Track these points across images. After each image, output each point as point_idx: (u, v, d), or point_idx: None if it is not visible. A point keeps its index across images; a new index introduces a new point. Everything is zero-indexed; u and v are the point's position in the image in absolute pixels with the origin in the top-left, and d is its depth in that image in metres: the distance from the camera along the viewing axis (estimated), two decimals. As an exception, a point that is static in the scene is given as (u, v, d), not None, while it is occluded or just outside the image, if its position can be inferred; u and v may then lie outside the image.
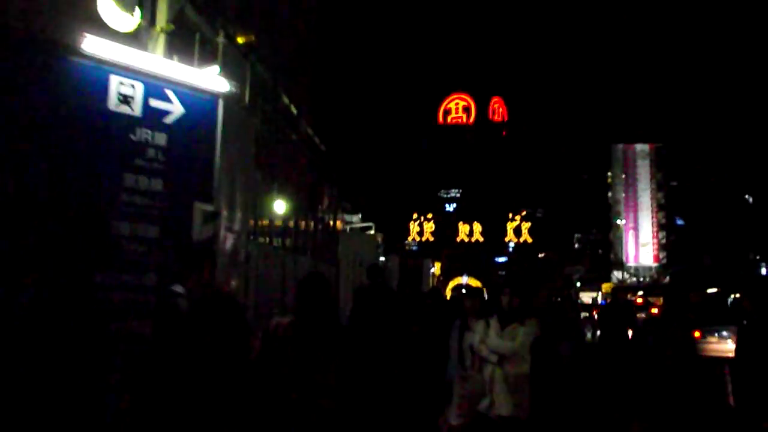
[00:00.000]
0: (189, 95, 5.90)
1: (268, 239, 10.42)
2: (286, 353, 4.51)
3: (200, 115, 6.01)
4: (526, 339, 6.38)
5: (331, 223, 13.47)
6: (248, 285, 7.10)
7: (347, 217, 19.15)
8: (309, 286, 4.80)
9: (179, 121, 5.84)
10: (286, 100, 11.50)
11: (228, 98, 6.26)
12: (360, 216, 19.88)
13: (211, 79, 6.15)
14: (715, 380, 8.94)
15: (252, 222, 9.11)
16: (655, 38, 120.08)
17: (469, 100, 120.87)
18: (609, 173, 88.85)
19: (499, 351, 6.40)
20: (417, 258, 22.37)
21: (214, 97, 6.14)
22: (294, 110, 12.07)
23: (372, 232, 15.08)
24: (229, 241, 6.43)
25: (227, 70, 7.27)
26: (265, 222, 10.64)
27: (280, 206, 11.55)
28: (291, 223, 11.51)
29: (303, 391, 4.38)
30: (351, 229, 14.25)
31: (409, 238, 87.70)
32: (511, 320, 6.70)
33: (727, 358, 11.33)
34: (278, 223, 11.09)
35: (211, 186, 6.08)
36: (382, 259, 19.40)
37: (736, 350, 9.92)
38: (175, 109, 5.75)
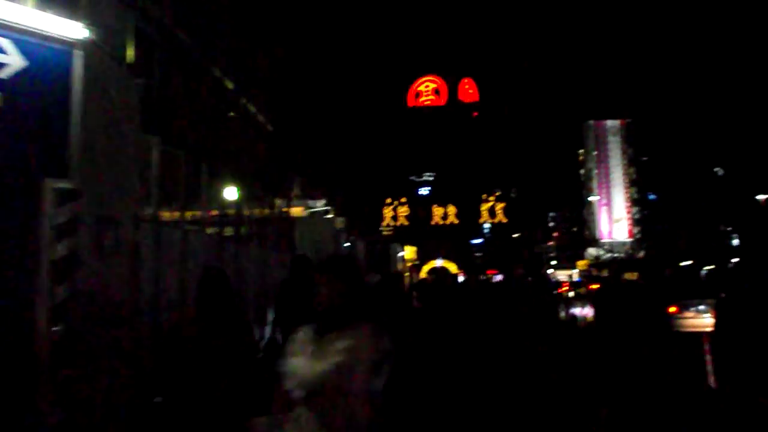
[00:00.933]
0: (33, 44, 4.74)
1: (203, 227, 9.46)
2: (189, 353, 4.24)
3: (50, 69, 4.92)
4: (344, 360, 3.02)
5: (286, 209, 12.66)
6: (139, 279, 6.01)
7: (311, 203, 18.38)
8: (207, 284, 4.47)
9: (20, 77, 4.67)
10: (217, 72, 10.55)
11: (94, 51, 5.09)
12: (324, 201, 19.10)
13: (62, 24, 4.90)
14: (692, 359, 8.42)
15: (177, 209, 8.22)
16: (623, 15, 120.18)
17: (439, 81, 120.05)
18: (580, 150, 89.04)
19: (304, 380, 3.13)
20: (387, 243, 21.66)
21: (69, 47, 4.95)
22: (229, 85, 11.09)
23: (330, 216, 14.31)
24: (98, 227, 5.29)
25: (97, 19, 6.15)
26: (196, 211, 9.68)
27: (219, 191, 10.69)
28: (232, 211, 10.63)
29: (205, 392, 4.14)
30: (312, 215, 13.46)
31: (383, 224, 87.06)
32: (329, 327, 3.15)
33: (706, 333, 10.83)
34: (214, 211, 10.13)
35: (64, 158, 4.80)
36: (347, 245, 18.81)
37: (717, 324, 9.31)
38: (13, 61, 4.65)
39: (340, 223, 15.88)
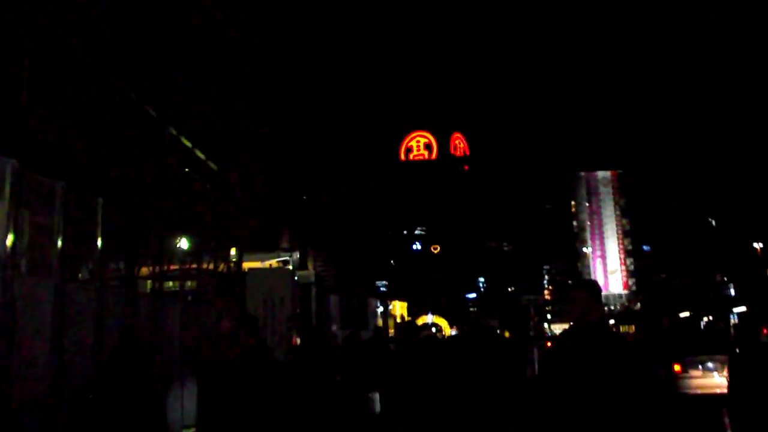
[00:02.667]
0: None
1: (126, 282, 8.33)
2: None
3: None
4: None
5: (232, 264, 11.41)
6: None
7: (287, 256, 17.16)
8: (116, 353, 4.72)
9: None
10: (153, 112, 9.41)
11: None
12: (298, 254, 17.89)
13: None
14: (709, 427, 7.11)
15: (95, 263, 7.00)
16: (613, 66, 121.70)
17: (430, 137, 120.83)
18: (572, 202, 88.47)
19: None
20: (364, 297, 20.30)
21: None
22: (174, 132, 9.81)
23: (290, 267, 13.11)
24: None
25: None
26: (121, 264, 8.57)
27: (155, 244, 9.46)
28: (167, 266, 9.49)
29: None
30: (269, 267, 12.23)
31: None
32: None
33: (718, 396, 9.45)
34: (148, 266, 8.98)
35: None
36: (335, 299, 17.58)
37: (731, 387, 7.80)
38: None
39: (305, 276, 14.63)
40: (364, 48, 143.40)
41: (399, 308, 53.23)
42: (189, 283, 9.93)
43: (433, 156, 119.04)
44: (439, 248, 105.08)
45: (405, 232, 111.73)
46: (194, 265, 9.90)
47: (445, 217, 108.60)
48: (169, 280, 9.64)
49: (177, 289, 9.93)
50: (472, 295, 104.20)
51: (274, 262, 16.64)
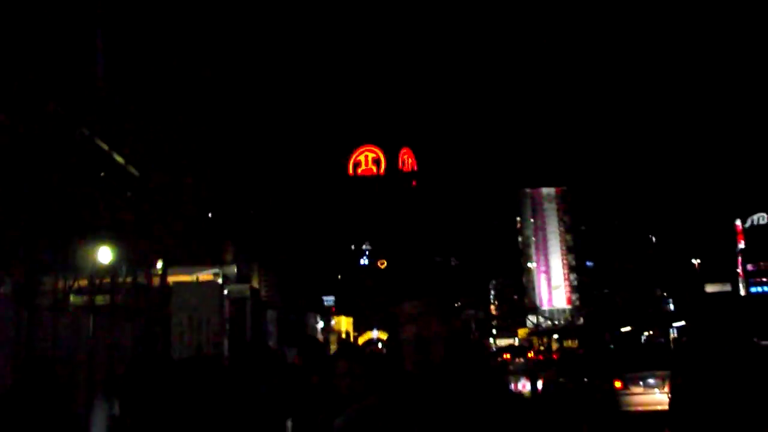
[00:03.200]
0: None
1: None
2: None
3: None
4: None
5: (155, 277, 10.69)
6: None
7: (225, 270, 16.38)
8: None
9: None
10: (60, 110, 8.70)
11: None
12: (234, 268, 17.16)
13: None
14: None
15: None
16: (557, 83, 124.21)
17: (378, 151, 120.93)
18: (518, 218, 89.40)
19: None
20: (302, 313, 19.62)
21: None
22: (86, 132, 9.07)
23: (221, 281, 12.41)
24: None
25: None
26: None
27: (70, 256, 8.75)
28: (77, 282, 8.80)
29: None
30: (195, 282, 11.50)
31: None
32: None
33: (660, 413, 9.19)
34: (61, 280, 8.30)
35: None
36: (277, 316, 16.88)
37: (673, 403, 7.50)
38: None
39: (238, 290, 13.97)
40: (314, 61, 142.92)
41: (344, 324, 52.66)
42: (100, 298, 9.20)
43: (382, 171, 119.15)
44: (386, 263, 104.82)
45: (353, 246, 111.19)
46: (106, 279, 9.17)
47: (393, 232, 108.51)
48: (77, 293, 8.92)
49: (85, 304, 9.22)
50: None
51: (205, 276, 15.91)
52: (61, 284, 9.23)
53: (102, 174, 9.37)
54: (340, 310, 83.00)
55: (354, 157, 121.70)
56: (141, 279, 10.39)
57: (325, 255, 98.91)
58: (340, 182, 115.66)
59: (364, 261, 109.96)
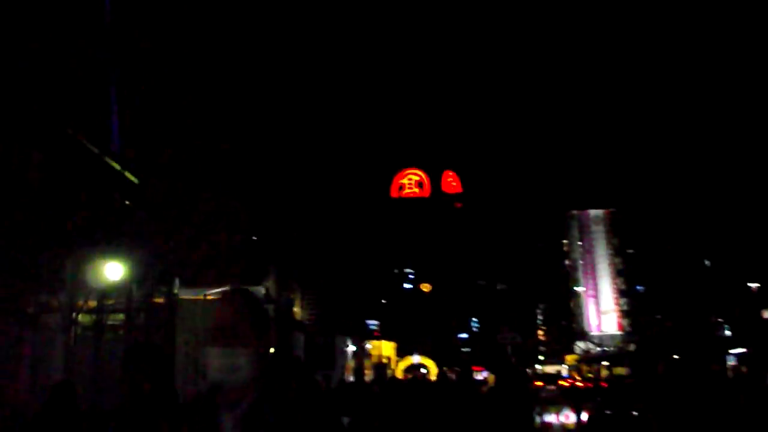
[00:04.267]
0: None
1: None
2: None
3: None
4: None
5: (159, 296, 10.09)
6: None
7: (251, 289, 15.76)
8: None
9: None
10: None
11: None
12: (262, 288, 16.52)
13: None
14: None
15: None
16: (606, 105, 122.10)
17: (422, 174, 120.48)
18: (564, 241, 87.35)
19: None
20: (331, 336, 18.79)
21: None
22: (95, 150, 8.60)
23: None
24: None
25: None
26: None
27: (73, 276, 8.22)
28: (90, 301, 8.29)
29: None
30: (203, 299, 10.87)
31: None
32: None
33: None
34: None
35: None
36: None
37: None
38: None
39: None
40: (358, 85, 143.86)
41: (386, 348, 51.59)
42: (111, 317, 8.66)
43: (425, 193, 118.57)
44: (429, 287, 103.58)
45: (396, 270, 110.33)
46: (110, 301, 8.64)
47: (437, 256, 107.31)
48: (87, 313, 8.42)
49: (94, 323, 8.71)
50: (464, 336, 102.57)
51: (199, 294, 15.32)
52: (68, 301, 8.77)
53: (120, 196, 8.90)
54: (384, 334, 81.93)
55: (397, 179, 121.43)
56: (157, 298, 9.85)
57: (369, 279, 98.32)
58: (383, 206, 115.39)
59: (407, 285, 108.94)
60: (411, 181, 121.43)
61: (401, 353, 57.84)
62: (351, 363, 21.07)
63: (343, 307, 78.21)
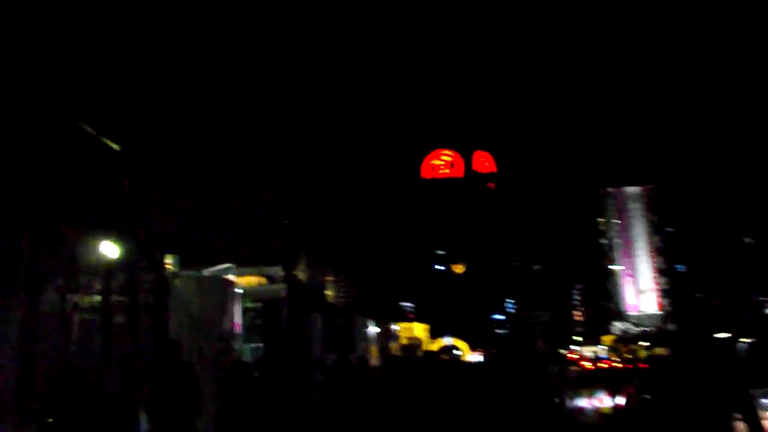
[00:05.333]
0: None
1: None
2: None
3: None
4: None
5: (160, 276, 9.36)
6: None
7: (266, 270, 15.09)
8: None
9: None
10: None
11: None
12: (280, 269, 15.78)
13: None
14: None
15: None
16: (643, 79, 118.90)
17: (454, 154, 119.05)
18: (600, 219, 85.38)
19: None
20: (350, 317, 17.96)
21: None
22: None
23: (231, 277, 10.93)
24: None
25: None
26: None
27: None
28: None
29: None
30: (199, 279, 10.11)
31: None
32: None
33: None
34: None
35: None
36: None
37: None
38: None
39: (270, 291, 12.63)
40: (388, 64, 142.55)
41: (418, 330, 50.82)
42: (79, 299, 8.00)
43: (458, 173, 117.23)
44: (462, 268, 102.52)
45: (428, 252, 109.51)
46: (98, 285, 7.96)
47: (471, 237, 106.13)
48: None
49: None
50: (500, 317, 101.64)
51: (251, 277, 14.65)
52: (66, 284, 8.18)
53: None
54: (418, 316, 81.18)
55: (429, 160, 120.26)
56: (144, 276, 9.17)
57: (402, 260, 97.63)
58: (415, 187, 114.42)
59: (439, 266, 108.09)
60: (443, 162, 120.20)
61: (433, 335, 57.07)
62: (373, 348, 20.31)
63: (376, 289, 77.71)
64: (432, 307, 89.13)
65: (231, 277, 10.55)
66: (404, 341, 38.37)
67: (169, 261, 9.46)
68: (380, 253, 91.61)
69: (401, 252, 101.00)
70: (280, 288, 13.45)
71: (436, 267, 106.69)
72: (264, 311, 12.56)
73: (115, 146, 8.23)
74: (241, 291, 10.63)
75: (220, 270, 10.59)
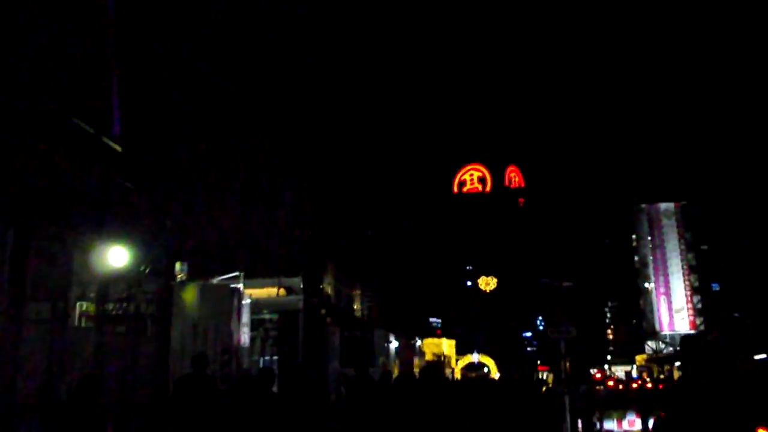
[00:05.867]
0: None
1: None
2: None
3: None
4: None
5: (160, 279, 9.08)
6: None
7: (286, 282, 14.80)
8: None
9: None
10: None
11: None
12: (300, 280, 15.46)
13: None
14: None
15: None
16: (676, 89, 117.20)
17: (483, 170, 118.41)
18: (633, 236, 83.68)
19: None
20: (369, 331, 17.41)
21: None
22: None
23: (239, 285, 10.58)
24: None
25: None
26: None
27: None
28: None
29: None
30: (205, 287, 9.80)
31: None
32: None
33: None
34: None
35: None
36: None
37: None
38: None
39: (286, 302, 12.29)
40: (419, 81, 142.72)
41: (444, 346, 50.19)
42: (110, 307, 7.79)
43: (488, 189, 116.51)
44: (492, 284, 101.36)
45: (457, 268, 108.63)
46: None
47: (500, 253, 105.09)
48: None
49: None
50: (528, 334, 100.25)
51: (271, 289, 14.37)
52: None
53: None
54: (445, 332, 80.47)
55: (459, 176, 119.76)
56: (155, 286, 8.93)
57: (430, 276, 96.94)
58: (445, 202, 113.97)
59: (469, 283, 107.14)
60: (472, 177, 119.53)
61: (461, 351, 56.30)
62: (394, 364, 19.76)
63: (404, 304, 77.22)
64: (458, 323, 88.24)
65: (240, 286, 10.24)
66: (430, 357, 37.78)
67: (178, 269, 9.22)
68: (409, 268, 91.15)
69: (430, 267, 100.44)
70: (298, 299, 13.12)
71: (467, 283, 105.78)
72: (280, 323, 12.23)
73: (117, 147, 8.01)
74: (248, 301, 10.29)
75: (227, 279, 10.29)
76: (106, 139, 7.93)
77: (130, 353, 7.96)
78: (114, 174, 7.99)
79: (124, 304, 8.14)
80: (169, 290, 8.88)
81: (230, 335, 9.33)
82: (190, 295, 9.13)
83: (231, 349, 9.34)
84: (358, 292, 69.53)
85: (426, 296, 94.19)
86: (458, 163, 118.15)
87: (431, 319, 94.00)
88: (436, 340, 49.47)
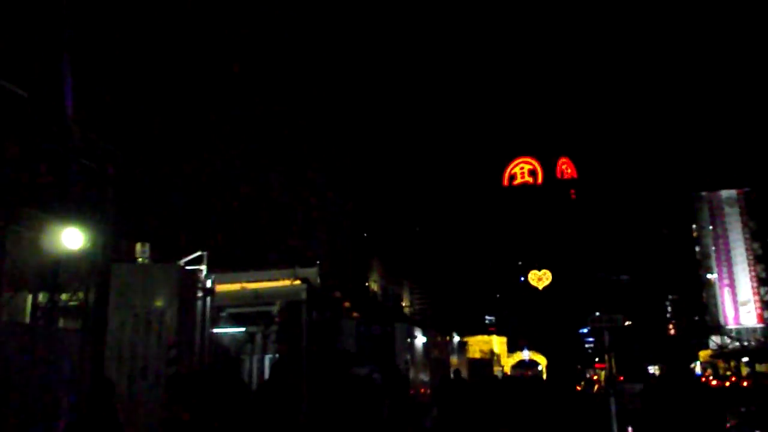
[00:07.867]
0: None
1: None
2: None
3: None
4: None
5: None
6: None
7: (301, 272, 13.47)
8: None
9: None
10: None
11: None
12: (315, 270, 14.09)
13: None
14: None
15: None
16: (735, 70, 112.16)
17: (534, 163, 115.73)
18: (694, 226, 79.84)
19: None
20: (390, 325, 15.87)
21: None
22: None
23: (203, 267, 9.25)
24: None
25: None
26: None
27: None
28: None
29: None
30: (143, 263, 8.48)
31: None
32: None
33: None
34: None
35: None
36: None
37: None
38: None
39: (287, 292, 10.92)
40: (469, 75, 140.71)
41: (494, 343, 48.38)
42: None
43: (539, 182, 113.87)
44: (546, 279, 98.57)
45: (509, 263, 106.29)
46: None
47: (554, 247, 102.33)
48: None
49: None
50: (585, 330, 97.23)
51: (286, 282, 13.08)
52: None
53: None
54: (499, 329, 78.51)
55: (509, 169, 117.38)
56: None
57: (481, 272, 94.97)
58: (495, 196, 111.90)
59: (522, 278, 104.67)
60: (523, 170, 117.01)
61: (511, 348, 54.31)
62: (422, 358, 18.22)
63: (458, 302, 75.67)
64: (510, 320, 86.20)
65: (202, 268, 8.83)
66: (477, 355, 36.03)
67: (138, 251, 7.97)
68: (460, 265, 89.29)
69: (482, 263, 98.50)
70: (301, 288, 11.69)
71: (520, 278, 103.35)
72: (281, 315, 10.90)
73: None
74: (209, 285, 8.88)
75: (189, 261, 8.95)
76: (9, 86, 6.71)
77: (52, 347, 6.71)
78: (71, 153, 6.84)
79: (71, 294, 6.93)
80: (105, 272, 7.59)
81: (188, 327, 8.00)
82: (132, 277, 7.85)
83: (175, 346, 7.98)
84: (406, 289, 68.32)
85: (479, 293, 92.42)
86: (508, 156, 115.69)
87: (486, 317, 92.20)
88: (485, 337, 47.65)
